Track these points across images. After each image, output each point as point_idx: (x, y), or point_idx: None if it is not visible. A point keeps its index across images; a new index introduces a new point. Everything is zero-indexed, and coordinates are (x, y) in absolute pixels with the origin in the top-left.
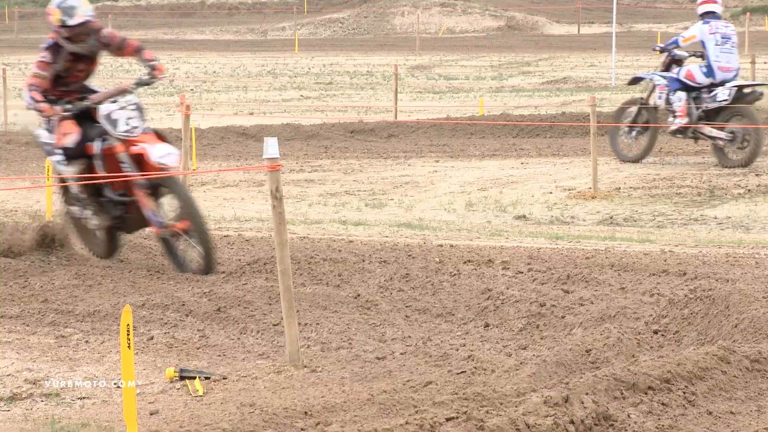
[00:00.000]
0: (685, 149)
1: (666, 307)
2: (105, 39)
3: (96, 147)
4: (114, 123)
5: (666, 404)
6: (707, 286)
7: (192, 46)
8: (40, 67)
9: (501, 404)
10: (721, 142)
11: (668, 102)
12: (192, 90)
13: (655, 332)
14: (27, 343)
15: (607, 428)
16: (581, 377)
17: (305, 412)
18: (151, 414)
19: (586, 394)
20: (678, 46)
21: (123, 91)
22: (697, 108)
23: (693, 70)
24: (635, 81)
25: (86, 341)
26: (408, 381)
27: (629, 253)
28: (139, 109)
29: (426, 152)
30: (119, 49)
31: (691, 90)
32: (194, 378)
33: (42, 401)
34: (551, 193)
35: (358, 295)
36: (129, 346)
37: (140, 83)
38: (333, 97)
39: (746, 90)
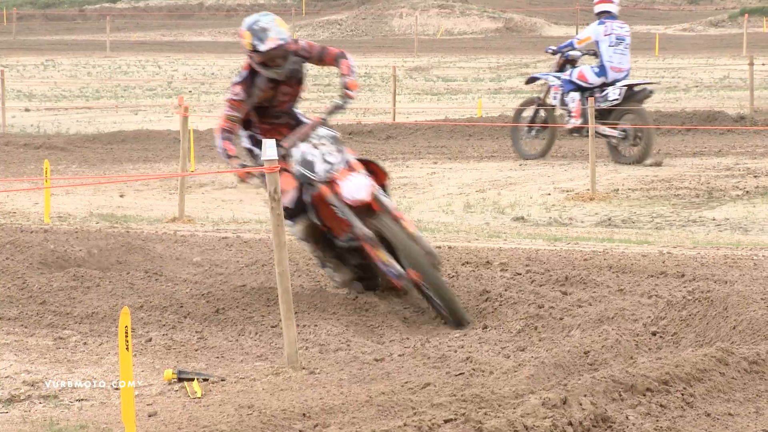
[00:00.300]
0: (683, 150)
1: (664, 308)
2: (304, 53)
3: (305, 197)
4: (311, 166)
5: (664, 406)
6: (705, 287)
7: (190, 48)
8: (232, 107)
9: (499, 406)
10: (614, 141)
11: (563, 102)
12: (190, 92)
13: (654, 334)
14: (25, 344)
15: (605, 430)
16: (579, 379)
17: (303, 414)
18: (150, 416)
19: (585, 395)
20: (573, 48)
21: (315, 126)
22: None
23: (585, 71)
24: (531, 80)
25: (84, 343)
26: (406, 383)
27: (627, 254)
28: (335, 140)
29: (424, 154)
30: (320, 59)
31: (585, 90)
32: (192, 380)
33: (40, 403)
34: (549, 194)
35: (357, 297)
36: (127, 348)
37: (334, 109)
38: (331, 99)
39: (636, 89)
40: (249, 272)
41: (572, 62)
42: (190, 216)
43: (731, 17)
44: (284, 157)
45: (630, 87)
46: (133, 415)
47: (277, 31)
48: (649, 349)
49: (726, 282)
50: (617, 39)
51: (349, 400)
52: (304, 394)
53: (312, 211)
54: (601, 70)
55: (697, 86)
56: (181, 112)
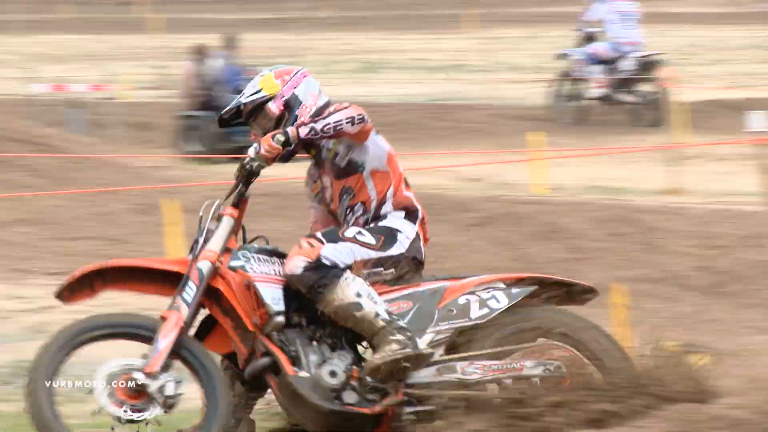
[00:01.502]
0: None
1: None
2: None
3: None
4: None
5: None
6: None
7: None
8: (311, 208)
9: None
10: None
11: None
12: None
13: None
14: None
15: None
16: None
17: None
18: None
19: None
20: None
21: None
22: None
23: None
24: (562, 56)
25: None
26: None
27: None
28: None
29: None
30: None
31: (605, 63)
32: (696, 353)
33: None
34: None
35: None
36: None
37: (241, 179)
38: None
39: (647, 60)
40: (747, 245)
41: (591, 38)
42: (682, 187)
43: None
44: None
45: (642, 58)
46: None
47: (247, 93)
48: None
49: None
50: (624, 15)
51: None
52: None
53: None
54: (614, 45)
55: None
56: (669, 84)
